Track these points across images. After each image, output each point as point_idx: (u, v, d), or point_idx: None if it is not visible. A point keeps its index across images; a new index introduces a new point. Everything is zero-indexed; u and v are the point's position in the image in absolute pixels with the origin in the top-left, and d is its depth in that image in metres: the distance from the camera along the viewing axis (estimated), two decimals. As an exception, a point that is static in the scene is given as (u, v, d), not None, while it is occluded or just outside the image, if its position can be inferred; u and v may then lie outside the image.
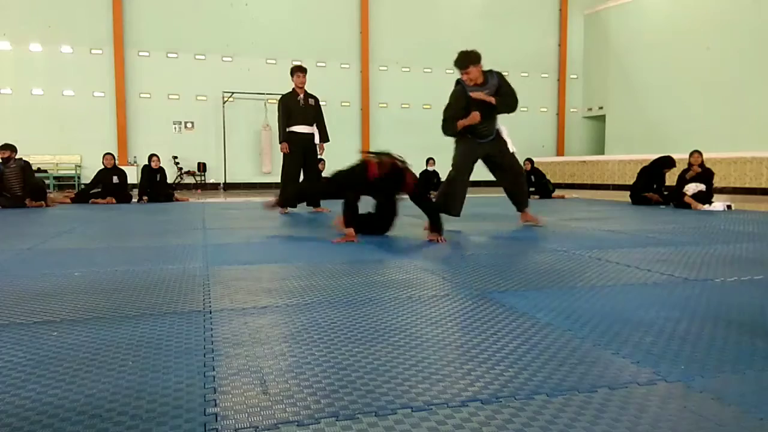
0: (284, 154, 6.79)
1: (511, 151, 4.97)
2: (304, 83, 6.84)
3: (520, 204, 5.14)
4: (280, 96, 6.98)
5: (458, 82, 4.80)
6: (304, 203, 6.97)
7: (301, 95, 6.82)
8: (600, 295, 2.29)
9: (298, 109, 6.78)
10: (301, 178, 6.97)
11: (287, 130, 6.77)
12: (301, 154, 6.77)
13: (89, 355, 1.57)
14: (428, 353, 1.57)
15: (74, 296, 2.30)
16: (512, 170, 5.03)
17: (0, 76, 13.96)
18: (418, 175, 12.21)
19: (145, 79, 14.83)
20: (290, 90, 6.85)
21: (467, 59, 4.61)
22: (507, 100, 4.71)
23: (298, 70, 6.85)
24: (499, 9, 17.50)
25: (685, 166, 7.37)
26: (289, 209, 6.71)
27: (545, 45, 18.22)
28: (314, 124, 6.86)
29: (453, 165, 4.95)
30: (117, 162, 9.49)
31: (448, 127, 4.81)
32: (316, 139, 6.87)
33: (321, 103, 7.11)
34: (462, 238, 4.20)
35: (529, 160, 10.68)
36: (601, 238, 4.20)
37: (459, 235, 4.40)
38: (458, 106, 4.72)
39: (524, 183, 5.21)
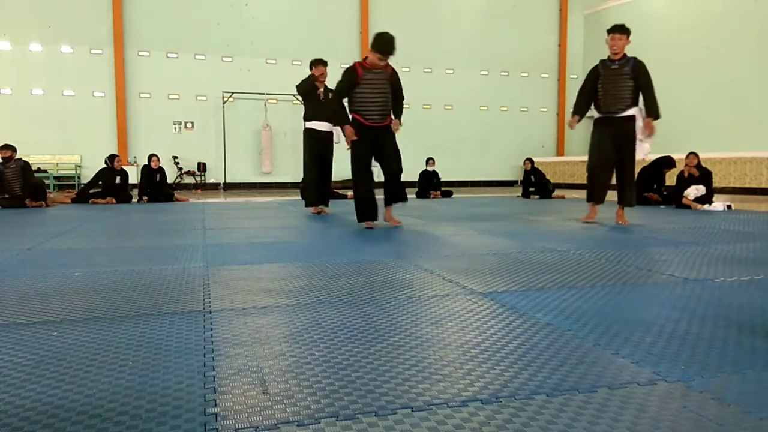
0: (304, 153, 6.36)
1: (638, 138, 4.91)
2: (326, 76, 6.41)
3: (620, 198, 5.10)
4: (301, 81, 6.41)
5: (601, 60, 5.06)
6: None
7: (321, 89, 6.37)
8: (600, 295, 2.29)
9: (318, 103, 6.33)
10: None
11: (306, 126, 6.31)
12: (320, 153, 6.35)
13: (89, 355, 1.57)
14: (428, 353, 1.57)
15: (74, 296, 2.30)
16: (622, 158, 4.99)
17: (0, 76, 13.97)
18: (418, 176, 11.87)
19: (145, 79, 14.83)
20: (308, 77, 6.36)
21: (616, 26, 4.91)
22: (641, 82, 4.88)
23: (320, 63, 6.38)
24: (500, 9, 17.49)
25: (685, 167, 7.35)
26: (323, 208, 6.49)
27: (545, 45, 18.21)
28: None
29: (588, 155, 5.11)
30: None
31: (576, 104, 5.14)
32: (335, 138, 6.39)
33: None
34: (462, 239, 4.20)
35: (529, 160, 10.71)
36: (601, 238, 4.20)
37: (458, 235, 4.40)
38: (588, 78, 5.06)
39: (631, 177, 5.14)
